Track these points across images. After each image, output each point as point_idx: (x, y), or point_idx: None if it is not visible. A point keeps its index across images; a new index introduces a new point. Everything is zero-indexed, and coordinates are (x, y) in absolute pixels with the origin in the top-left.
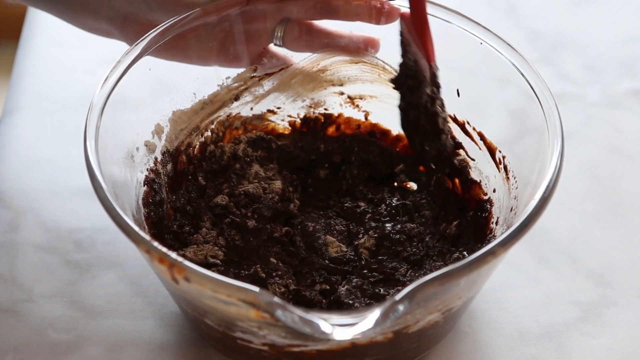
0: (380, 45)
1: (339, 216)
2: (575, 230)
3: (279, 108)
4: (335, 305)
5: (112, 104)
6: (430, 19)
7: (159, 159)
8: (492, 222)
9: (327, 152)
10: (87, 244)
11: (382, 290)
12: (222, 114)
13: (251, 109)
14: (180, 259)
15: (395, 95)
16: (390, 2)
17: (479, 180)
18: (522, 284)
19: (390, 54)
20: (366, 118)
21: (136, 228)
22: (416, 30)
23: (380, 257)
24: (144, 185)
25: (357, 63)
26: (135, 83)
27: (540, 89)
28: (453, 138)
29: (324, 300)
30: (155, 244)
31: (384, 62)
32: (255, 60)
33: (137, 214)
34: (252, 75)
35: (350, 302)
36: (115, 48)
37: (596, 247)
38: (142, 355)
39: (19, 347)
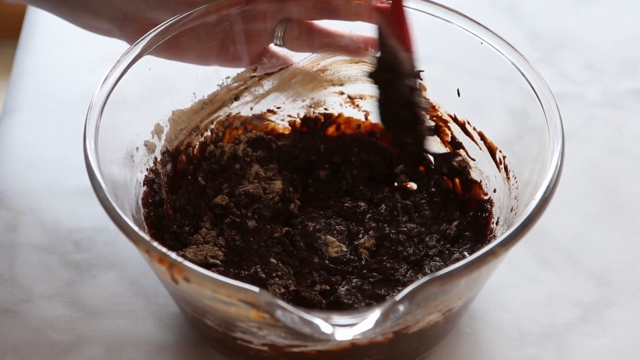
0: None
1: (339, 216)
2: (576, 231)
3: (278, 108)
4: (335, 305)
5: (112, 104)
6: (430, 18)
7: (158, 159)
8: (493, 222)
9: (327, 152)
10: (87, 244)
11: (382, 290)
12: (222, 113)
13: (251, 108)
14: (180, 259)
15: None
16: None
17: (479, 180)
18: (523, 284)
19: None
20: (366, 118)
21: (136, 228)
22: (394, 22)
23: (380, 257)
24: (143, 185)
25: (357, 63)
26: (135, 83)
27: (540, 89)
28: (429, 127)
29: (323, 301)
30: (155, 244)
31: None
32: (255, 60)
33: (137, 214)
34: (252, 75)
35: (350, 302)
36: (115, 47)
37: (597, 247)
38: (141, 356)
39: (18, 348)
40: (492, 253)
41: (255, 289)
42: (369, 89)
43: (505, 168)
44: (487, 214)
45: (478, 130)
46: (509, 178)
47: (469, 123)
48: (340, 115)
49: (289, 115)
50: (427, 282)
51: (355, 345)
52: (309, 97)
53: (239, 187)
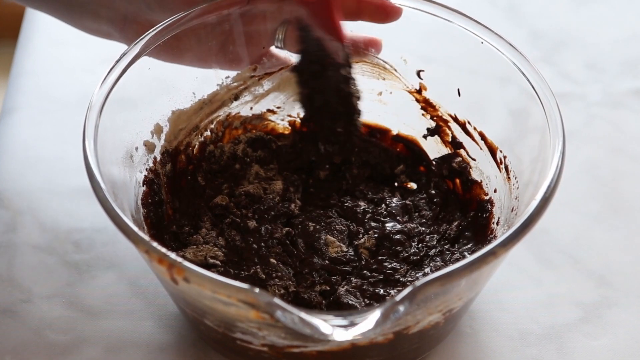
0: (382, 45)
1: (339, 216)
2: (577, 231)
3: (278, 108)
4: (335, 306)
5: (111, 104)
6: (430, 18)
7: (158, 159)
8: (493, 223)
9: (327, 152)
10: (86, 244)
11: (382, 290)
12: (222, 113)
13: (251, 108)
14: (179, 259)
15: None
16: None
17: (479, 180)
18: (523, 285)
19: (391, 53)
20: None
21: (135, 228)
22: (323, 13)
23: (380, 257)
24: (143, 185)
25: (357, 63)
26: (134, 82)
27: (541, 89)
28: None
29: (323, 301)
30: (155, 244)
31: (384, 61)
32: (255, 62)
33: (136, 214)
34: (252, 74)
35: (350, 302)
36: (114, 47)
37: (598, 247)
38: (141, 356)
39: (17, 348)
40: (492, 253)
41: (255, 289)
42: (369, 89)
43: (506, 168)
44: (487, 214)
45: (479, 130)
46: (509, 178)
47: (469, 123)
48: None
49: (289, 115)
50: (427, 282)
51: (356, 346)
52: None
53: (239, 187)
